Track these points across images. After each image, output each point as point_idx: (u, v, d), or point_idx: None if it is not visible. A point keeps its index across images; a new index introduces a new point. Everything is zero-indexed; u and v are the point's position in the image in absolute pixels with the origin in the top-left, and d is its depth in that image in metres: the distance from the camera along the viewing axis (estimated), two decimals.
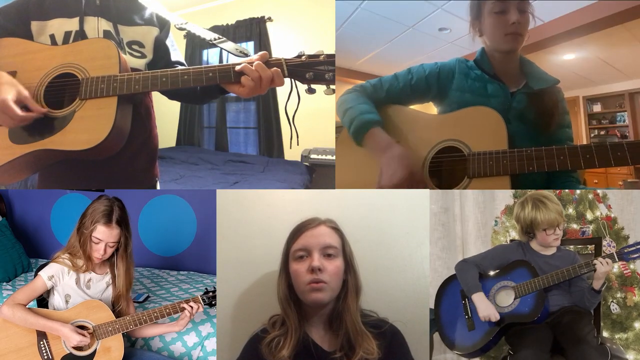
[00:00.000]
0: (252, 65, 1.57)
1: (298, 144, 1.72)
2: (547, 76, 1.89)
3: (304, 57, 1.61)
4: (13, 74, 1.70)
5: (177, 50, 1.93)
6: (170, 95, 1.87)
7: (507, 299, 1.83)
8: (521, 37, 1.82)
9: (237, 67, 1.59)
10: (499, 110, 1.77)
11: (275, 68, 1.58)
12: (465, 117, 1.83)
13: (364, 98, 1.94)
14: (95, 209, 1.79)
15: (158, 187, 1.99)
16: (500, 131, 1.73)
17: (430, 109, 2.05)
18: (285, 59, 1.61)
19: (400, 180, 1.72)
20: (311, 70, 1.59)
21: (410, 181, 1.73)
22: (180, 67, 1.74)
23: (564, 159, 1.61)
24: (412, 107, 2.02)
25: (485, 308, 1.80)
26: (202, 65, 1.66)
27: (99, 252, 1.78)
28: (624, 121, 5.74)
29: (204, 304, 1.88)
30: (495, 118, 1.75)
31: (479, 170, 1.72)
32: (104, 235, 1.77)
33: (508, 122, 1.78)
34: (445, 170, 1.80)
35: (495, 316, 1.78)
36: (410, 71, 1.97)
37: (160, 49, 1.87)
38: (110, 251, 1.81)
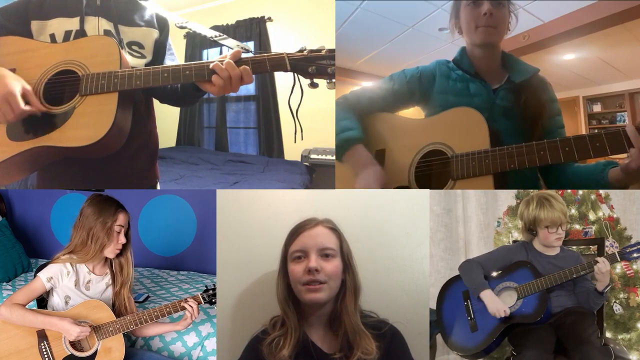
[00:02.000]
0: (222, 64, 1.58)
1: (302, 139, 1.71)
2: (527, 66, 1.88)
3: (305, 51, 1.62)
4: (12, 71, 1.69)
5: (173, 55, 1.93)
6: (161, 98, 1.88)
7: (509, 299, 1.82)
8: (495, 30, 1.82)
9: (211, 65, 1.59)
10: (483, 108, 1.77)
11: (243, 66, 1.59)
12: (446, 119, 1.83)
13: (345, 112, 1.95)
14: (100, 202, 1.80)
15: (158, 188, 1.99)
16: (481, 130, 1.73)
17: (420, 113, 2.05)
18: (288, 54, 1.62)
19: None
20: (313, 64, 1.60)
21: None
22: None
23: (544, 153, 1.61)
24: (398, 113, 2.02)
25: (494, 304, 1.79)
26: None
27: (121, 240, 1.80)
28: (624, 121, 5.73)
29: (205, 302, 1.87)
30: (476, 117, 1.75)
31: (462, 171, 1.72)
32: (124, 220, 1.81)
33: (493, 120, 1.78)
34: (432, 174, 1.80)
35: (505, 311, 1.77)
36: (392, 77, 1.98)
37: (160, 52, 1.88)
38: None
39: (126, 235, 1.84)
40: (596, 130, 6.11)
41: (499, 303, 1.79)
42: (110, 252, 1.81)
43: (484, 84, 1.85)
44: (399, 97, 1.96)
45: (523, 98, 1.82)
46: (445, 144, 1.79)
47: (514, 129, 1.80)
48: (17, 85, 1.59)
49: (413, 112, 2.09)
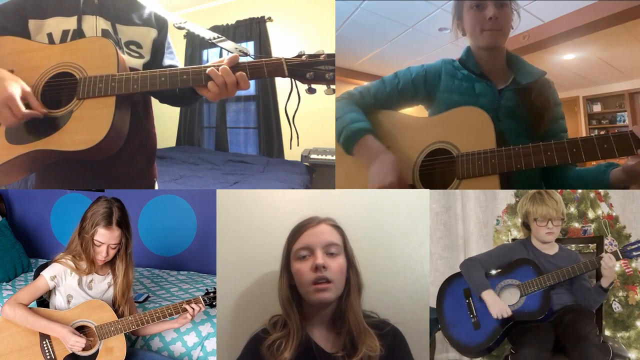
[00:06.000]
0: (218, 70, 1.56)
1: (298, 145, 1.70)
2: (534, 69, 1.88)
3: (304, 56, 1.59)
4: (11, 72, 1.68)
5: (173, 54, 1.92)
6: (160, 98, 1.87)
7: (511, 297, 1.82)
8: (501, 32, 1.81)
9: (207, 71, 1.58)
10: (488, 108, 1.76)
11: (240, 72, 1.57)
12: (452, 118, 1.82)
13: (352, 106, 1.93)
14: (95, 211, 1.79)
15: (156, 188, 1.99)
16: (487, 130, 1.72)
17: (424, 111, 2.05)
18: (286, 59, 1.59)
19: (390, 184, 1.73)
20: (312, 70, 1.58)
21: (399, 186, 1.74)
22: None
23: (551, 154, 1.60)
24: (402, 110, 2.01)
25: (496, 305, 1.79)
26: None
27: (101, 254, 1.79)
28: (624, 121, 5.73)
29: (205, 304, 1.88)
30: (482, 117, 1.75)
31: (467, 170, 1.72)
32: (105, 237, 1.77)
33: (498, 120, 1.77)
34: (437, 172, 1.80)
35: (507, 312, 1.77)
36: (397, 75, 1.96)
37: (158, 51, 1.87)
38: (112, 253, 1.81)
39: (119, 251, 1.83)
40: (596, 131, 6.12)
41: (501, 304, 1.79)
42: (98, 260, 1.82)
43: (490, 84, 1.84)
44: (404, 95, 1.95)
45: (528, 99, 1.81)
46: (450, 143, 1.78)
47: (518, 129, 1.79)
48: (16, 88, 1.59)
49: (416, 111, 2.09)
